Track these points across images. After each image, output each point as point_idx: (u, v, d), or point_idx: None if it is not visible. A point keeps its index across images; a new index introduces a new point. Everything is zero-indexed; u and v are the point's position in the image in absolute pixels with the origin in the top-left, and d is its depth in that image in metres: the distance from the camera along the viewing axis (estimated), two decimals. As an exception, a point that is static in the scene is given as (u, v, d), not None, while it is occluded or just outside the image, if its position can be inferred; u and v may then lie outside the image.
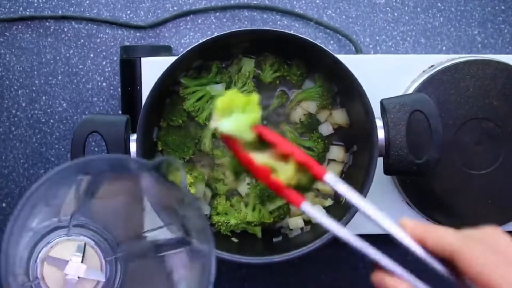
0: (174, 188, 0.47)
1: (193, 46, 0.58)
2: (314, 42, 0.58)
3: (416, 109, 0.58)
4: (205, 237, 0.48)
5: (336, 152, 0.66)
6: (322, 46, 0.59)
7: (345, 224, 0.58)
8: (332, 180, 0.43)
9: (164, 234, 0.56)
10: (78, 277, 0.58)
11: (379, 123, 0.59)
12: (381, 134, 0.59)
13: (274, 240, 0.65)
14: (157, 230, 0.57)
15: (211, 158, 0.66)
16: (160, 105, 0.64)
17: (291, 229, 0.66)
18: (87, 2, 0.72)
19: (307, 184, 0.44)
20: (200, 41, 0.58)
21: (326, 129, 0.66)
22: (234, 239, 0.64)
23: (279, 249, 0.60)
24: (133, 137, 0.59)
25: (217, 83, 0.65)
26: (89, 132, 0.58)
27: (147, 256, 0.59)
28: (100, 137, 0.59)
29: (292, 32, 0.60)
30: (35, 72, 0.72)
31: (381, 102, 0.60)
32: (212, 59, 0.64)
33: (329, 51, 0.58)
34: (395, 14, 0.73)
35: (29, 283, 0.57)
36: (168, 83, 0.62)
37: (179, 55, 0.58)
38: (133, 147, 0.59)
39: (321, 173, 0.43)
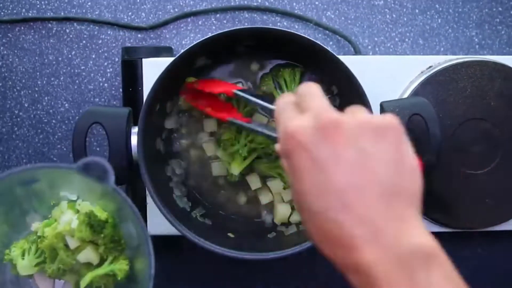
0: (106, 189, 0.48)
1: (196, 43, 0.59)
2: (318, 42, 0.59)
3: (415, 112, 0.59)
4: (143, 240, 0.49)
5: None
6: (326, 47, 0.59)
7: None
8: (237, 93, 0.60)
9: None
10: None
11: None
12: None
13: (269, 236, 0.65)
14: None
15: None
16: (164, 98, 0.64)
17: (287, 227, 0.66)
18: (89, 3, 0.73)
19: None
20: (201, 39, 0.58)
21: None
22: (231, 235, 0.65)
23: (275, 246, 0.61)
24: (135, 130, 0.60)
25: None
26: (91, 123, 0.58)
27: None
28: (102, 129, 0.59)
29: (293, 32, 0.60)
30: (38, 73, 0.72)
31: (381, 105, 0.60)
32: (216, 57, 0.65)
33: (332, 52, 0.58)
34: (394, 15, 0.74)
35: None
36: (171, 78, 0.62)
37: (184, 50, 0.59)
38: (134, 140, 0.59)
39: (229, 90, 0.61)
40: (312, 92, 0.41)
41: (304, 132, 0.37)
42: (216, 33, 0.59)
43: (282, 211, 0.66)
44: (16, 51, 0.72)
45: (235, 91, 0.61)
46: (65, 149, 0.72)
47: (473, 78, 0.66)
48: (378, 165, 0.36)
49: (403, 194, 0.36)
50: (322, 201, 0.36)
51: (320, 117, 0.37)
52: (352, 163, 0.36)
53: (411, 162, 0.37)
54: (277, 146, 0.41)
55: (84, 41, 0.73)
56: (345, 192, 0.35)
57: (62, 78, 0.72)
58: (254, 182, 0.67)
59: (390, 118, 0.38)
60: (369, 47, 0.73)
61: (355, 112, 0.39)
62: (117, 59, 0.72)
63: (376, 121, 0.37)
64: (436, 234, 0.37)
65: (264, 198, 0.67)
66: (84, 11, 0.72)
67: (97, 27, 0.73)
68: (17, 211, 0.59)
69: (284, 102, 0.42)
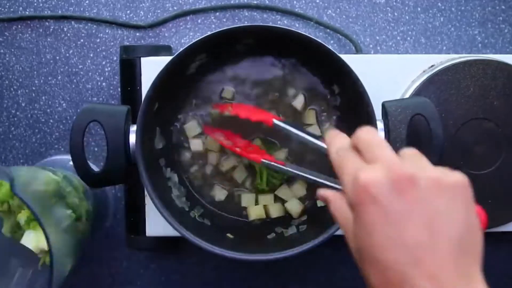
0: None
1: (195, 41, 0.58)
2: (319, 41, 0.58)
3: (417, 112, 0.58)
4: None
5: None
6: (329, 47, 0.58)
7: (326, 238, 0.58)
8: (277, 123, 0.58)
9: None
10: None
11: (380, 125, 0.59)
12: (381, 136, 0.59)
13: (269, 237, 0.65)
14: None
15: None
16: (163, 96, 0.63)
17: (287, 229, 0.66)
18: (87, 1, 0.72)
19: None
20: (201, 37, 0.58)
21: (315, 131, 0.66)
22: (230, 235, 0.64)
23: (274, 247, 0.60)
24: (133, 128, 0.59)
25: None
26: (89, 121, 0.57)
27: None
28: (100, 127, 0.58)
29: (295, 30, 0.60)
30: (35, 72, 0.72)
31: (383, 105, 0.60)
32: (215, 56, 0.65)
33: (333, 50, 0.58)
34: (395, 14, 0.73)
35: None
36: (170, 77, 0.61)
37: (182, 49, 0.58)
38: (132, 138, 0.59)
39: (269, 120, 0.59)
40: (378, 141, 0.42)
41: (378, 185, 0.38)
42: (215, 32, 0.58)
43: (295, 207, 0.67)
44: (13, 50, 0.72)
45: (275, 121, 0.58)
46: (62, 149, 0.72)
47: (476, 77, 0.66)
48: (449, 224, 0.37)
49: (470, 252, 0.37)
50: (392, 254, 0.37)
51: (395, 171, 0.38)
52: (424, 220, 0.37)
53: (477, 221, 0.39)
54: (320, 191, 0.45)
55: (82, 40, 0.72)
56: (416, 248, 0.36)
57: (59, 77, 0.72)
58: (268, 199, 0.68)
59: (462, 178, 0.39)
60: (371, 45, 0.73)
61: (417, 161, 0.40)
62: (115, 58, 0.72)
63: (449, 181, 0.38)
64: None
65: (275, 212, 0.68)
66: (82, 9, 0.72)
67: (95, 26, 0.72)
68: None
69: (341, 146, 0.43)
